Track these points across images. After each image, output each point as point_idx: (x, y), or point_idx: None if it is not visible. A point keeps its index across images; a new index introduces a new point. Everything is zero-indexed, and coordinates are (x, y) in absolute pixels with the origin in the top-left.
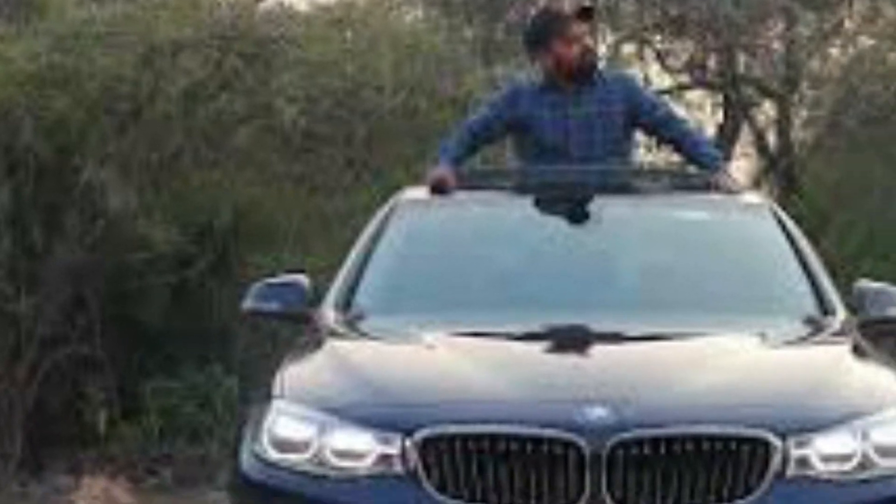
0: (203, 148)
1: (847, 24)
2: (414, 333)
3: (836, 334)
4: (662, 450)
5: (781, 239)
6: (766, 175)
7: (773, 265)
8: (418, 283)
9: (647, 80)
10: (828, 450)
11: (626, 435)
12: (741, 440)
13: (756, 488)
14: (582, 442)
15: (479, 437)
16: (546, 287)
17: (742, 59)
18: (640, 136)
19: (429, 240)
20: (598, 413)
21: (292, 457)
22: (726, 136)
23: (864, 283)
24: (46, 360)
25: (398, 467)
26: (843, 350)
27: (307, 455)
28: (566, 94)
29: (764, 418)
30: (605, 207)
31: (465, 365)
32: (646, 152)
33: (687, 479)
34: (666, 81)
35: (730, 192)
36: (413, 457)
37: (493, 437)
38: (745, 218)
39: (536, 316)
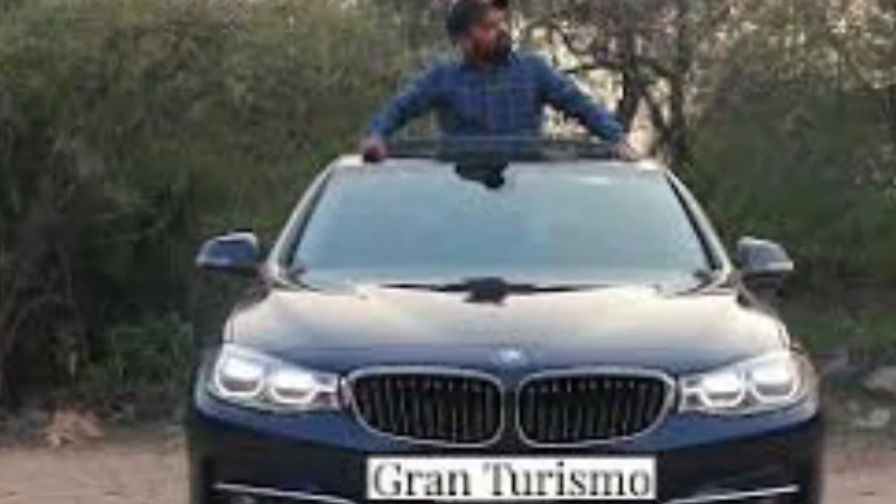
0: (162, 121)
1: (732, 11)
2: (349, 285)
3: (722, 286)
4: (569, 388)
5: (674, 201)
6: (661, 145)
7: (667, 225)
8: (353, 241)
9: (555, 60)
10: (715, 388)
11: (536, 375)
12: (638, 380)
13: (652, 422)
14: (497, 381)
15: (406, 377)
16: (466, 244)
17: (639, 42)
18: (549, 111)
19: (362, 202)
20: (511, 356)
21: (241, 395)
22: (625, 110)
23: (748, 241)
24: (23, 308)
25: (335, 404)
26: (728, 300)
27: (254, 393)
28: (484, 73)
29: (659, 360)
30: (518, 173)
31: (393, 313)
32: (554, 125)
33: (590, 414)
34: (572, 62)
35: (628, 160)
36: (348, 394)
37: (419, 377)
38: (642, 183)
39: (457, 269)
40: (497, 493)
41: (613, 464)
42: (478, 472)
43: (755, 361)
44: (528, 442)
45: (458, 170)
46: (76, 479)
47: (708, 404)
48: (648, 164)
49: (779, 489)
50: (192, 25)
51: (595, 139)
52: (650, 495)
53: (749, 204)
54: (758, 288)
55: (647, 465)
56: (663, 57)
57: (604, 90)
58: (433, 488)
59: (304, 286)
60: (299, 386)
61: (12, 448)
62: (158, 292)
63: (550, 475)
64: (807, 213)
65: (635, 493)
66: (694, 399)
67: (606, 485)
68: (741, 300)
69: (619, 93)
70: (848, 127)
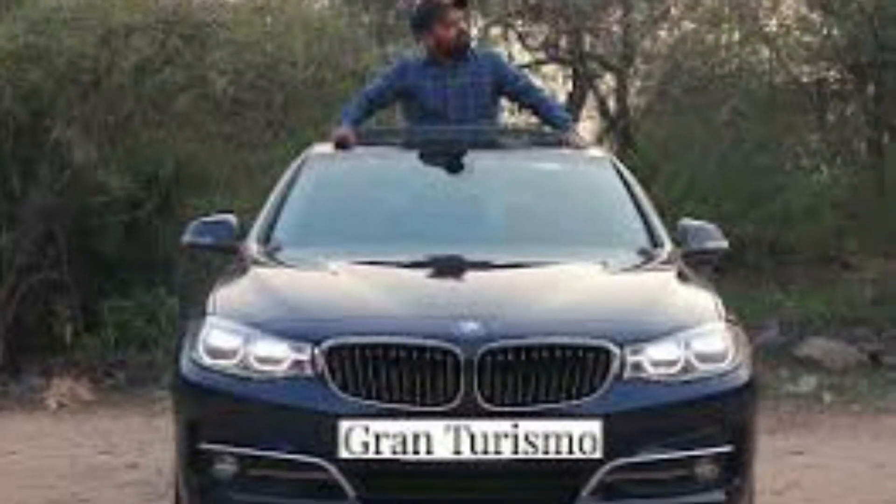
0: (150, 112)
1: (673, 10)
2: (321, 262)
3: (663, 263)
4: (523, 356)
5: (619, 185)
6: (607, 134)
7: (613, 206)
8: (325, 221)
9: (510, 56)
10: (657, 356)
11: (493, 344)
12: (587, 349)
13: (599, 388)
14: (458, 350)
15: (374, 346)
16: (428, 224)
17: (587, 39)
18: (504, 102)
19: (333, 186)
20: (470, 326)
21: (222, 362)
22: (575, 102)
23: (687, 221)
24: (23, 283)
25: (308, 371)
26: (669, 275)
27: (235, 361)
28: (445, 67)
29: (605, 331)
30: (476, 160)
31: (362, 287)
32: (509, 115)
33: (543, 380)
34: (526, 58)
35: (577, 147)
36: (321, 362)
37: (386, 346)
38: (590, 168)
39: (420, 247)
40: (457, 452)
41: (564, 426)
42: (439, 433)
43: (693, 332)
44: (486, 406)
45: (422, 156)
46: (72, 439)
47: (650, 371)
48: (596, 151)
49: (715, 449)
50: (178, 24)
51: (547, 128)
52: (597, 454)
53: (688, 187)
54: (696, 264)
55: (594, 426)
56: (609, 53)
57: (555, 83)
58: (399, 448)
59: (281, 263)
60: (276, 354)
61: (13, 411)
62: (147, 268)
63: (506, 436)
64: (741, 196)
65: (584, 453)
66: (637, 366)
67: (557, 445)
68: (681, 276)
69: (569, 86)
70: (778, 117)
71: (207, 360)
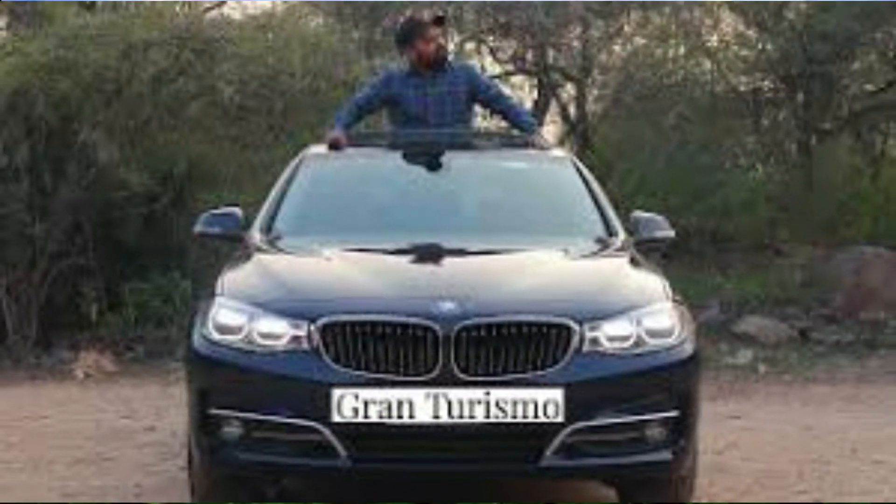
0: (166, 117)
1: (626, 28)
2: (316, 249)
3: (618, 250)
4: (494, 333)
5: (579, 182)
6: (568, 136)
7: (573, 200)
8: (320, 214)
9: (483, 68)
10: (612, 332)
11: (468, 322)
12: (550, 325)
13: (561, 360)
14: (436, 327)
15: (363, 323)
16: (411, 216)
17: (551, 53)
18: (478, 109)
19: (327, 182)
20: (447, 306)
21: (229, 337)
22: (539, 108)
23: (638, 213)
24: (54, 268)
25: (305, 345)
26: (623, 261)
27: (240, 336)
28: (425, 78)
29: (566, 310)
30: (453, 159)
31: (353, 272)
32: (482, 120)
33: (511, 353)
34: (496, 69)
35: (542, 148)
36: (316, 337)
37: (373, 324)
38: (553, 167)
39: (404, 236)
40: (436, 416)
41: (530, 393)
42: (420, 400)
43: (644, 311)
44: (461, 376)
45: (405, 156)
46: (97, 405)
47: (606, 345)
48: (558, 152)
49: (663, 414)
50: (191, 40)
51: (515, 131)
52: (560, 418)
53: (639, 183)
54: (646, 251)
55: (557, 394)
56: (570, 65)
57: (522, 92)
58: (385, 413)
59: (281, 250)
60: (276, 330)
61: (45, 381)
62: (163, 255)
63: (479, 402)
64: (686, 190)
65: (548, 417)
66: (595, 341)
67: (524, 410)
68: (633, 261)
69: (535, 94)
70: (719, 122)
71: (216, 336)
